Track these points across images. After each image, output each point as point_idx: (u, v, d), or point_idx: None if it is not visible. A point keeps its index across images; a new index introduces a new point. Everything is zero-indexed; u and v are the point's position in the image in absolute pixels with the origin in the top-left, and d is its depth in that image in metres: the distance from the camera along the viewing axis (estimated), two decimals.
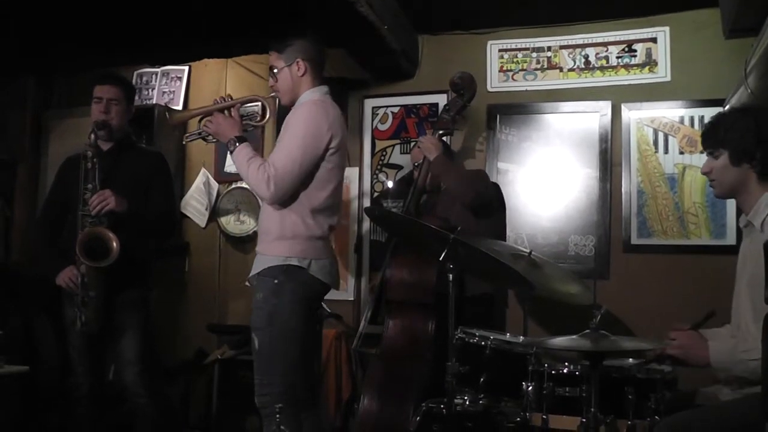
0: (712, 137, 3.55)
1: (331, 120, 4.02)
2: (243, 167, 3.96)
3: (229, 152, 4.07)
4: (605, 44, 5.88)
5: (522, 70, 6.08)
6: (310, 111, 4.03)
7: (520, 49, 6.09)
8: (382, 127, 6.41)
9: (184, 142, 4.47)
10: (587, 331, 3.24)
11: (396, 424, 4.49)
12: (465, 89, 5.35)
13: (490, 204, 5.12)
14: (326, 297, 4.24)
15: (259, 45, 5.72)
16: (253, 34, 5.49)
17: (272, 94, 4.32)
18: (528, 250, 4.43)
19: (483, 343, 3.99)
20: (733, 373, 3.36)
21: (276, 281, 3.92)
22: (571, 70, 5.97)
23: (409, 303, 4.94)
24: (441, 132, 5.32)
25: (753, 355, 3.18)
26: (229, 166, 6.76)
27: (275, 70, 4.17)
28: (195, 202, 6.79)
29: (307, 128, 3.96)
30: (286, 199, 3.95)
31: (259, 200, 4.39)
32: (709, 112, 5.45)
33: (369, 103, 6.46)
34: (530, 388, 3.69)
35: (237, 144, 4.01)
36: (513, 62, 6.09)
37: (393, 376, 4.77)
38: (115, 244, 4.49)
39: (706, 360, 3.37)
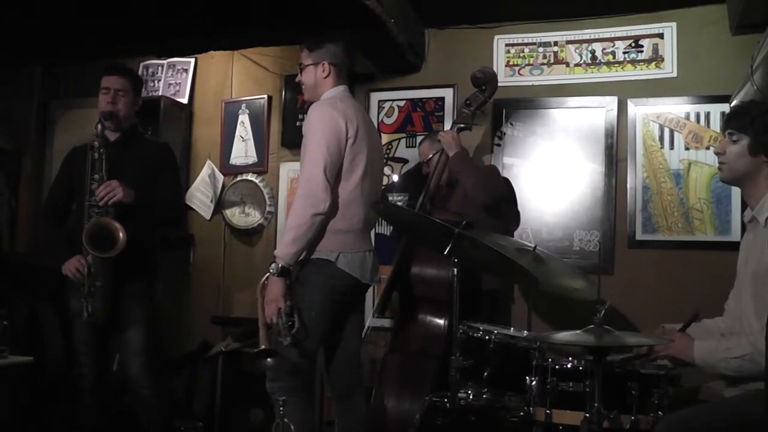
0: (738, 120, 3.50)
1: (342, 110, 4.05)
2: (294, 232, 3.88)
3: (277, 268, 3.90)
4: (612, 39, 5.87)
5: (528, 64, 6.07)
6: (318, 113, 4.06)
7: (526, 44, 6.09)
8: (388, 121, 6.41)
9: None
10: (591, 326, 3.25)
11: (409, 418, 4.50)
12: (487, 84, 5.34)
13: (500, 202, 5.14)
14: None
15: (266, 37, 5.75)
16: (259, 26, 5.50)
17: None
18: (533, 245, 4.43)
19: (487, 337, 4.00)
20: (717, 371, 3.38)
21: (303, 272, 4.01)
22: (577, 65, 5.96)
23: (425, 298, 4.95)
24: (461, 126, 5.32)
25: (734, 353, 3.22)
26: (234, 158, 6.79)
27: (302, 66, 4.27)
28: (200, 194, 6.80)
29: (322, 130, 3.98)
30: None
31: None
32: (715, 108, 5.46)
33: (375, 97, 6.46)
34: (534, 383, 3.70)
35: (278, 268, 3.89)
36: (519, 57, 6.09)
37: (406, 371, 4.80)
38: (121, 234, 4.49)
39: (692, 359, 3.39)
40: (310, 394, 4.11)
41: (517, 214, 5.56)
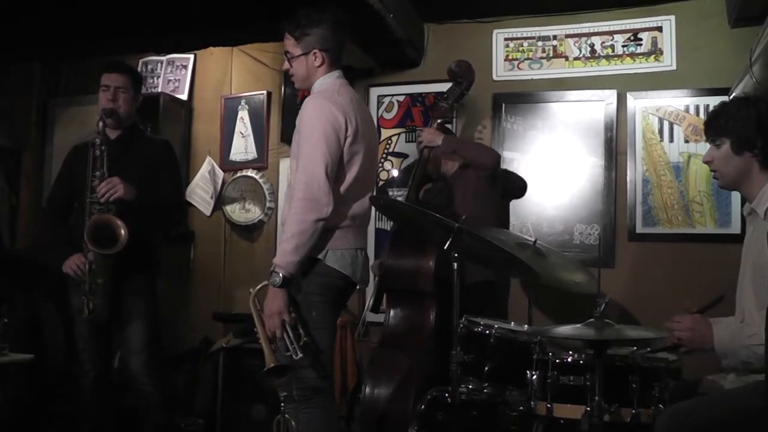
0: (714, 126, 3.53)
1: (341, 105, 3.79)
2: (296, 240, 3.63)
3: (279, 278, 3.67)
4: (611, 33, 5.88)
5: (527, 58, 6.08)
6: (316, 108, 3.79)
7: (525, 38, 6.09)
8: (388, 116, 6.41)
9: None
10: (591, 319, 3.25)
11: (398, 412, 4.50)
12: (463, 77, 5.35)
13: (496, 183, 5.14)
14: None
15: (265, 33, 5.74)
16: (258, 22, 5.49)
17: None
18: (533, 239, 4.44)
19: (487, 331, 4.00)
20: (738, 358, 3.34)
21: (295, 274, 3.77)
22: (576, 58, 5.97)
23: (408, 291, 4.94)
24: (440, 120, 5.32)
25: (758, 340, 3.19)
26: (234, 155, 6.79)
27: (290, 56, 3.96)
28: (200, 191, 6.80)
29: (321, 128, 3.71)
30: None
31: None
32: (714, 101, 5.42)
33: (374, 92, 6.46)
34: (535, 377, 3.69)
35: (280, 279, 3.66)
36: (518, 51, 6.09)
37: (395, 365, 4.78)
38: (123, 231, 4.48)
39: (711, 344, 3.36)
40: (330, 401, 4.02)
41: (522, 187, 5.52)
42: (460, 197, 5.09)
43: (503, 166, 5.74)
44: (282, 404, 3.70)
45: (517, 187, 5.47)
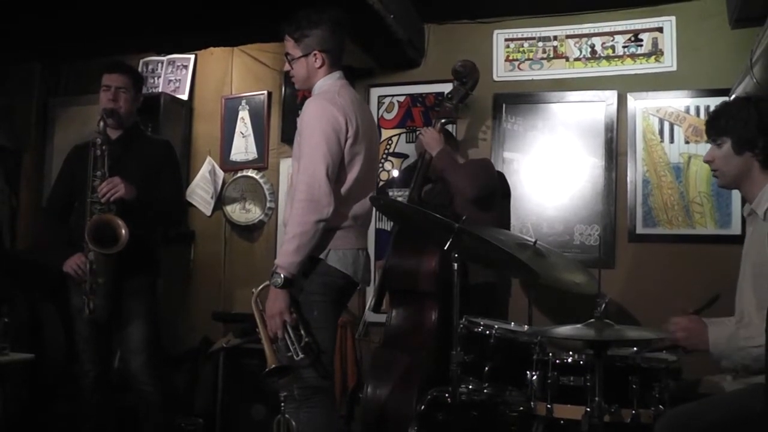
0: (715, 126, 3.54)
1: (341, 106, 3.80)
2: (297, 241, 3.65)
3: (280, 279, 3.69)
4: (611, 34, 5.87)
5: (528, 59, 6.07)
6: (316, 109, 3.80)
7: (526, 39, 6.09)
8: (388, 116, 6.41)
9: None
10: (592, 320, 3.25)
11: (399, 412, 4.50)
12: (467, 77, 5.34)
13: (494, 195, 5.12)
14: None
15: (265, 33, 5.74)
16: (258, 22, 5.48)
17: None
18: (533, 240, 4.43)
19: (488, 332, 4.00)
20: (734, 360, 3.34)
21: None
22: (577, 59, 5.96)
23: (411, 292, 4.94)
24: (443, 121, 5.31)
25: (754, 342, 3.18)
26: (234, 155, 6.79)
27: (290, 58, 3.97)
28: (200, 191, 6.80)
29: (322, 129, 3.73)
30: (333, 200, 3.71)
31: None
32: (714, 102, 5.41)
33: (375, 92, 6.46)
34: (535, 378, 3.70)
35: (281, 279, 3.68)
36: (519, 51, 6.09)
37: (396, 365, 4.77)
38: (124, 231, 4.49)
39: (706, 345, 3.35)
40: (330, 401, 4.03)
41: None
42: (459, 198, 5.08)
43: (500, 167, 5.75)
44: (282, 404, 3.70)
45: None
